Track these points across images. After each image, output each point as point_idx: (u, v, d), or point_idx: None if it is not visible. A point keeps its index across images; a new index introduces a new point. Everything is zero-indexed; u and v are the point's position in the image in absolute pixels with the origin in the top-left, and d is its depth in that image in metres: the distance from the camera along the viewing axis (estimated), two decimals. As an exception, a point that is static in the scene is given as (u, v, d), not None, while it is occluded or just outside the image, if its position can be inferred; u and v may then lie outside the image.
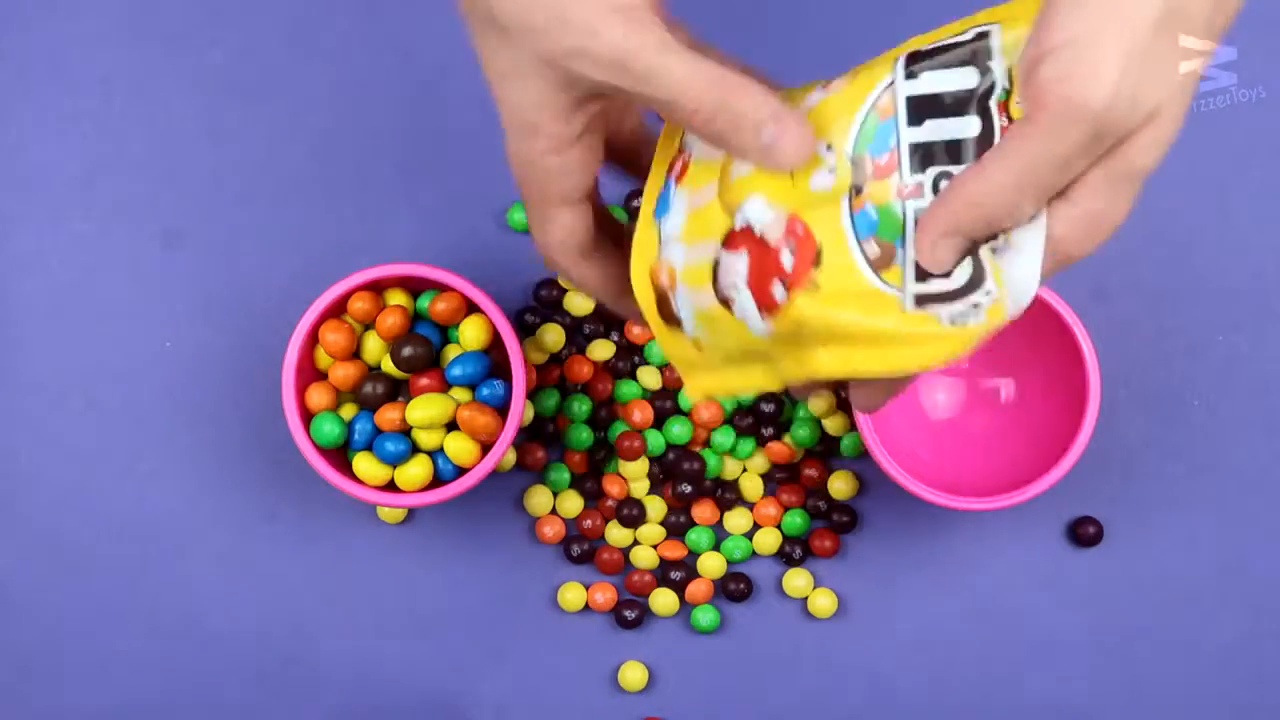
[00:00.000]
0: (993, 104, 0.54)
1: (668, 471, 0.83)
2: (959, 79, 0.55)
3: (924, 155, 0.55)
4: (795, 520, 0.84)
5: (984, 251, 0.55)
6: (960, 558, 0.85)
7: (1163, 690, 0.84)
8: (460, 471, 0.79)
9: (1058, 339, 0.79)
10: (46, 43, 0.85)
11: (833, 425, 0.84)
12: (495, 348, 0.81)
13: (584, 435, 0.84)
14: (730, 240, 0.58)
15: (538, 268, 0.85)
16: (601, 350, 0.84)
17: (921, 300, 0.56)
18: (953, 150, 0.54)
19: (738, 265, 0.58)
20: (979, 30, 0.55)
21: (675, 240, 0.60)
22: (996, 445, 0.83)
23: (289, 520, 0.85)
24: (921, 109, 0.55)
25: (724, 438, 0.83)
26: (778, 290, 0.57)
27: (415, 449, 0.79)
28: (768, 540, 0.84)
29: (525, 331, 0.84)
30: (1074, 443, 0.78)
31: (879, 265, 0.56)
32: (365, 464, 0.78)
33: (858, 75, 0.57)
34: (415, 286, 0.81)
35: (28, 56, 0.85)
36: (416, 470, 0.79)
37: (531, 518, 0.85)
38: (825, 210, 0.57)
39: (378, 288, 0.80)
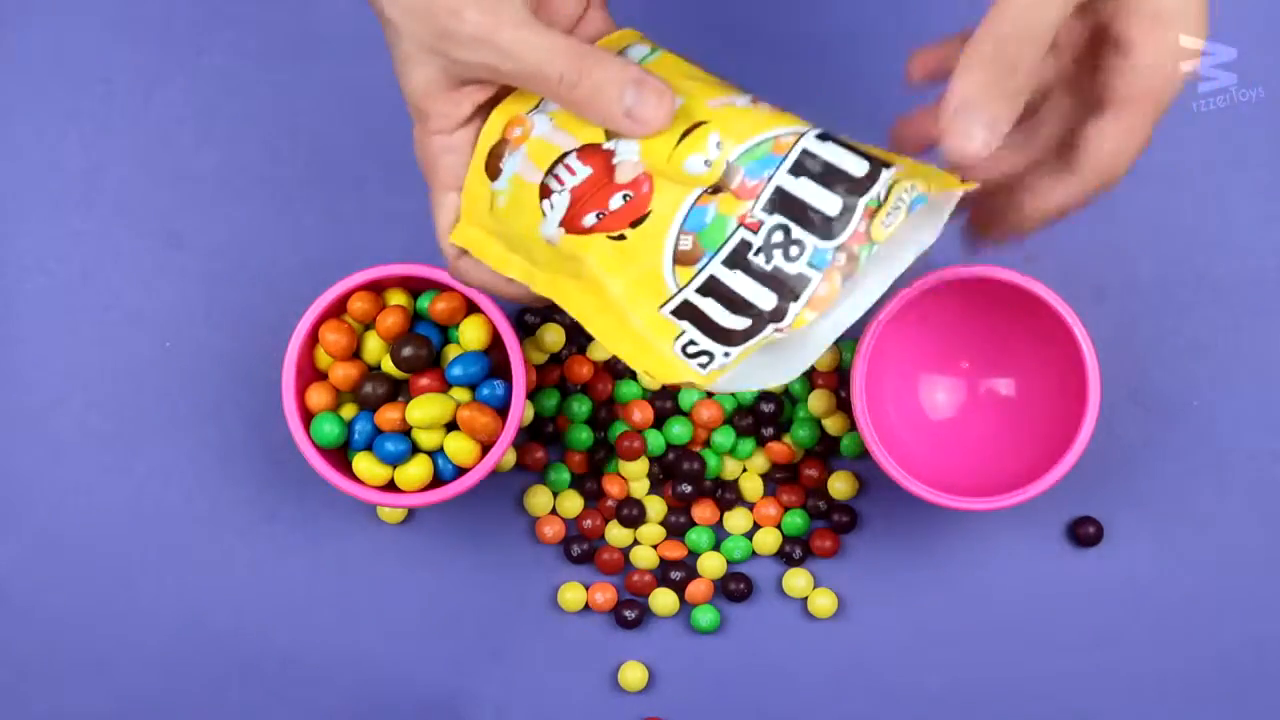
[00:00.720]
0: (861, 202, 0.57)
1: (668, 471, 0.83)
2: (852, 165, 0.58)
3: (780, 201, 0.57)
4: (795, 520, 0.84)
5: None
6: (960, 558, 0.85)
7: (1163, 690, 0.84)
8: (460, 471, 0.79)
9: (1058, 339, 0.79)
10: (46, 43, 0.85)
11: (833, 425, 0.84)
12: (495, 348, 0.81)
13: (584, 435, 0.84)
14: (587, 150, 0.61)
15: (538, 268, 0.85)
16: (601, 350, 0.84)
17: (680, 312, 0.58)
18: (802, 214, 0.57)
19: (579, 171, 0.61)
20: (886, 161, 0.58)
21: (548, 114, 0.62)
22: (996, 445, 0.83)
23: (289, 520, 0.85)
24: (806, 167, 0.58)
25: (724, 438, 0.83)
26: (589, 219, 0.60)
27: (415, 449, 0.79)
28: (768, 540, 0.84)
29: (525, 331, 0.84)
30: (1074, 443, 0.78)
31: (680, 259, 0.58)
32: (365, 464, 0.78)
33: (784, 113, 0.61)
34: (415, 286, 0.81)
35: (28, 56, 0.85)
36: (416, 470, 0.79)
37: (531, 518, 0.85)
38: (677, 188, 0.59)
39: (378, 288, 0.80)
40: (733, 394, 0.84)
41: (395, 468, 0.79)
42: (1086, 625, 0.84)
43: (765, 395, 0.83)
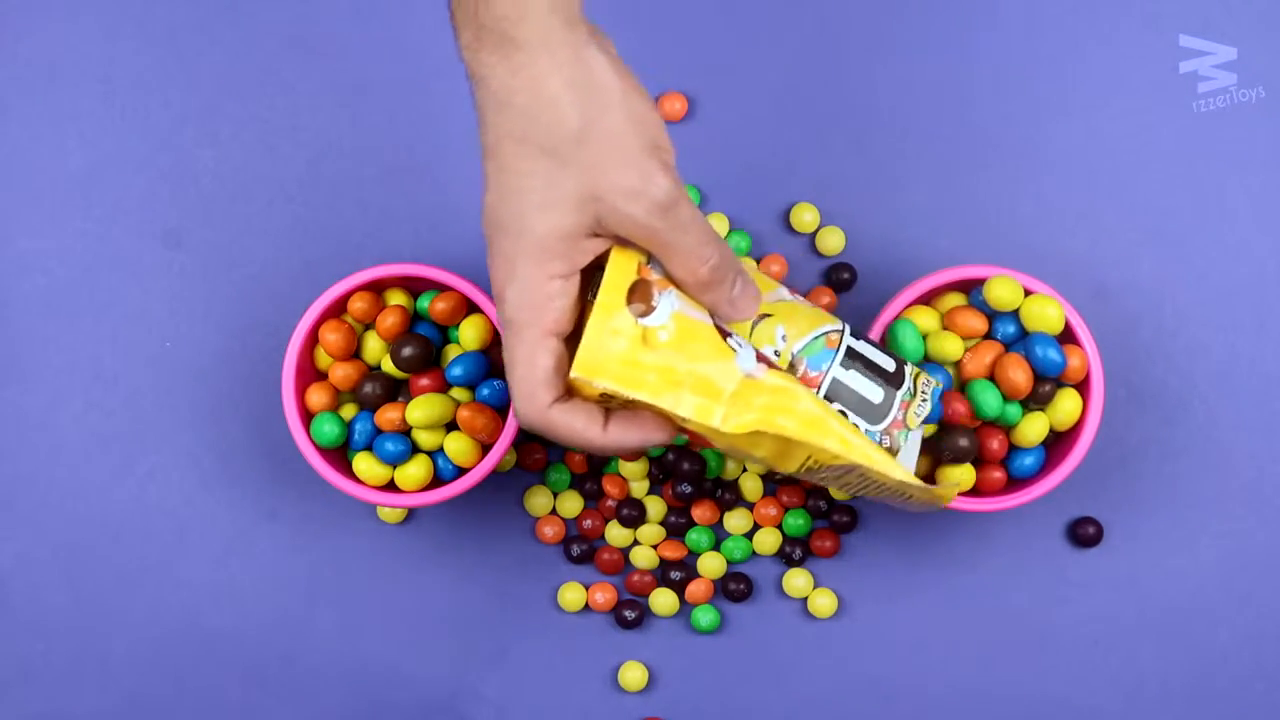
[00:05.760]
0: (898, 395, 0.70)
1: (668, 471, 0.83)
2: (883, 360, 0.71)
3: (837, 390, 0.69)
4: (795, 520, 0.84)
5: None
6: (960, 558, 0.85)
7: (1163, 690, 0.84)
8: (460, 471, 0.79)
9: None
10: (46, 43, 0.85)
11: (833, 425, 0.84)
12: (495, 348, 0.81)
13: (584, 435, 0.84)
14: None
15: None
16: (601, 350, 0.84)
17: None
18: (853, 402, 0.69)
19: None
20: (899, 360, 0.72)
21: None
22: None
23: (289, 520, 0.85)
24: (852, 362, 0.70)
25: (724, 438, 0.83)
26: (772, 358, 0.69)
27: (415, 449, 0.79)
28: (768, 540, 0.84)
29: (525, 331, 0.84)
30: (1076, 444, 0.78)
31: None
32: (365, 464, 0.78)
33: (815, 307, 0.71)
34: (415, 286, 0.81)
35: (28, 56, 0.85)
36: (416, 470, 0.79)
37: (531, 518, 0.85)
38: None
39: (378, 288, 0.80)
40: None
41: (395, 468, 0.79)
42: (1086, 625, 0.84)
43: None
